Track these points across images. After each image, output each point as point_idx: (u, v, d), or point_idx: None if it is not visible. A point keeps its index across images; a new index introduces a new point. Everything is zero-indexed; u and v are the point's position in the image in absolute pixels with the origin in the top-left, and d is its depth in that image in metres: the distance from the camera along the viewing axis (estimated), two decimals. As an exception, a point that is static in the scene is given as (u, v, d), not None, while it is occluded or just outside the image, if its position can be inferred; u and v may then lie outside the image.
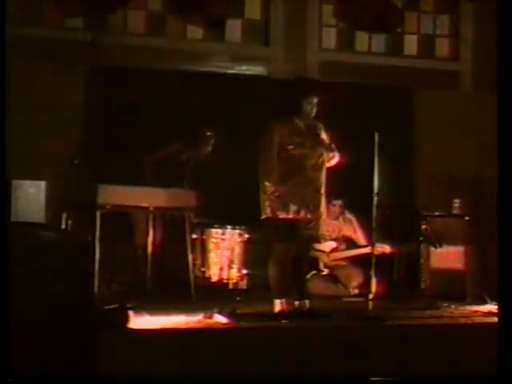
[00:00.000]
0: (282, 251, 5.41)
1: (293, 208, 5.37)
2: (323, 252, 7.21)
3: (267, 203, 5.41)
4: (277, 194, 5.38)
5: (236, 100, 7.71)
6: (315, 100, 5.47)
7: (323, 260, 7.22)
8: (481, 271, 6.77)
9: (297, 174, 5.41)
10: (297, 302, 5.45)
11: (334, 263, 7.27)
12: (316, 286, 6.87)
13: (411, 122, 8.52)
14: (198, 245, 6.86)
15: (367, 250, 6.63)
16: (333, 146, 5.57)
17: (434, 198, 7.82)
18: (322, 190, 5.51)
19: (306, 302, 5.49)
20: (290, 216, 5.37)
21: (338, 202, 7.32)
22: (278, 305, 5.38)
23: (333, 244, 7.26)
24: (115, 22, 8.11)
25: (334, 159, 5.59)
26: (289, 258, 5.41)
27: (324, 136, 5.57)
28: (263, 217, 5.46)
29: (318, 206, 5.46)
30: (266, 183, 5.43)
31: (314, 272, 7.04)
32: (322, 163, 5.52)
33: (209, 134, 6.87)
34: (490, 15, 7.00)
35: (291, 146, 5.40)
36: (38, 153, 7.17)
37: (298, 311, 5.40)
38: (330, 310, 5.63)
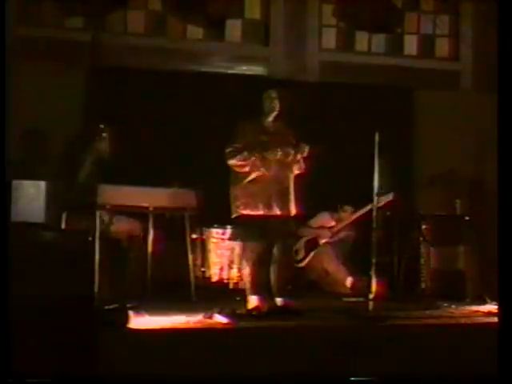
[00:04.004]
0: (254, 249, 5.49)
1: (259, 205, 5.45)
2: (324, 228, 7.27)
3: (237, 202, 5.50)
4: (245, 192, 5.47)
5: (236, 100, 7.69)
6: (274, 95, 5.55)
7: (324, 236, 7.26)
8: (481, 271, 6.77)
9: (264, 172, 5.49)
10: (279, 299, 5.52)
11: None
12: (320, 259, 7.08)
13: (411, 122, 8.51)
14: (198, 245, 6.87)
15: (368, 208, 6.74)
16: (302, 146, 5.61)
17: (434, 198, 7.81)
18: (291, 189, 5.58)
19: (279, 299, 5.53)
20: (258, 213, 5.45)
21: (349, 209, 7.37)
22: (252, 301, 5.44)
23: (332, 222, 7.37)
24: (115, 22, 8.11)
25: (301, 163, 5.64)
26: (262, 255, 5.46)
27: (292, 136, 5.63)
28: (234, 215, 5.57)
29: (286, 205, 5.52)
30: (233, 181, 5.54)
31: (318, 248, 7.25)
32: (290, 163, 5.58)
33: (101, 127, 6.67)
34: (490, 15, 7.01)
35: (257, 145, 5.48)
36: (38, 153, 7.16)
37: (270, 309, 5.46)
38: (304, 308, 5.60)
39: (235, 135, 5.56)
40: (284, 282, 5.59)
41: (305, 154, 5.62)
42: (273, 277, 5.55)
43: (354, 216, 7.28)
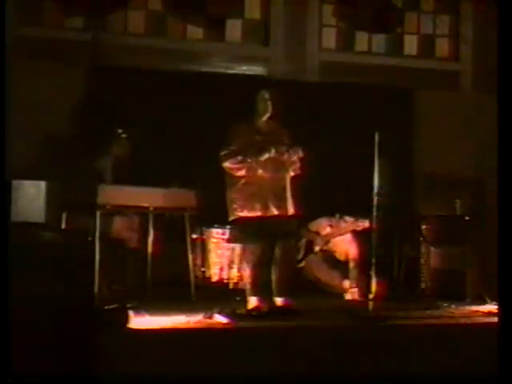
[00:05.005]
0: (253, 251, 5.49)
1: (256, 206, 5.45)
2: (318, 234, 7.28)
3: (234, 205, 5.51)
4: (241, 194, 5.47)
5: (236, 100, 7.69)
6: (267, 96, 5.57)
7: (318, 244, 7.26)
8: (481, 271, 6.77)
9: (260, 174, 5.49)
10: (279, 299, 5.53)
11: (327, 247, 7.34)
12: (310, 268, 7.08)
13: (411, 122, 8.51)
14: (198, 245, 6.87)
15: (348, 228, 7.10)
16: (295, 147, 5.62)
17: (434, 198, 7.81)
18: (288, 189, 5.57)
19: (279, 299, 5.52)
20: (254, 214, 5.45)
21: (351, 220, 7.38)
22: (252, 301, 5.45)
23: (328, 229, 7.35)
24: (115, 22, 8.11)
25: (298, 161, 5.63)
26: (262, 257, 5.46)
27: (286, 136, 5.64)
28: (231, 218, 5.58)
29: (283, 205, 5.51)
30: (229, 184, 5.55)
31: (310, 255, 7.22)
32: (286, 163, 5.58)
33: (120, 132, 6.66)
34: (490, 15, 7.00)
35: (252, 145, 5.48)
36: (38, 153, 7.17)
37: (271, 309, 5.47)
38: (304, 308, 5.60)
39: (229, 137, 5.57)
40: (285, 282, 5.58)
41: (300, 155, 5.61)
42: (274, 277, 5.54)
43: (341, 230, 7.28)
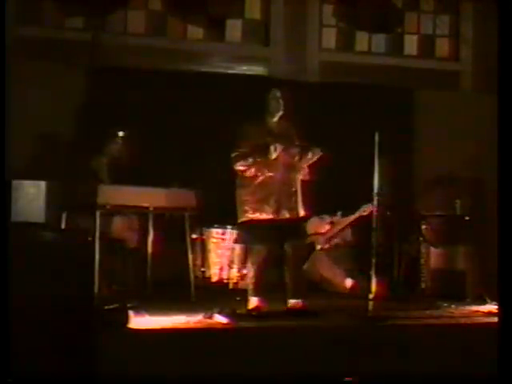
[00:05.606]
0: (260, 252, 5.47)
1: (268, 209, 5.43)
2: (319, 234, 7.27)
3: (245, 206, 5.48)
4: (251, 195, 5.45)
5: (236, 100, 7.70)
6: (278, 94, 5.54)
7: (319, 243, 7.26)
8: (481, 271, 6.77)
9: (269, 174, 5.46)
10: (292, 301, 5.51)
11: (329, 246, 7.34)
12: (314, 265, 7.06)
13: (411, 122, 8.52)
14: (198, 245, 6.87)
15: (354, 216, 7.17)
16: (309, 147, 5.58)
17: (434, 198, 7.82)
18: (299, 191, 5.53)
19: (293, 301, 5.51)
20: (266, 217, 5.43)
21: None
22: (253, 301, 5.46)
23: (326, 226, 7.35)
24: (115, 22, 8.11)
25: (311, 160, 5.59)
26: (267, 258, 5.46)
27: (296, 136, 5.59)
28: (240, 220, 5.55)
29: (294, 207, 5.49)
30: (240, 185, 5.52)
31: (313, 253, 7.22)
32: (297, 164, 5.54)
33: (119, 131, 6.68)
34: (490, 15, 7.01)
35: (263, 147, 5.45)
36: (38, 153, 7.17)
37: (283, 310, 5.47)
38: (320, 308, 5.62)
39: (240, 139, 5.53)
40: (299, 284, 5.55)
41: (314, 159, 5.59)
42: (287, 279, 5.53)
43: (347, 221, 7.27)
